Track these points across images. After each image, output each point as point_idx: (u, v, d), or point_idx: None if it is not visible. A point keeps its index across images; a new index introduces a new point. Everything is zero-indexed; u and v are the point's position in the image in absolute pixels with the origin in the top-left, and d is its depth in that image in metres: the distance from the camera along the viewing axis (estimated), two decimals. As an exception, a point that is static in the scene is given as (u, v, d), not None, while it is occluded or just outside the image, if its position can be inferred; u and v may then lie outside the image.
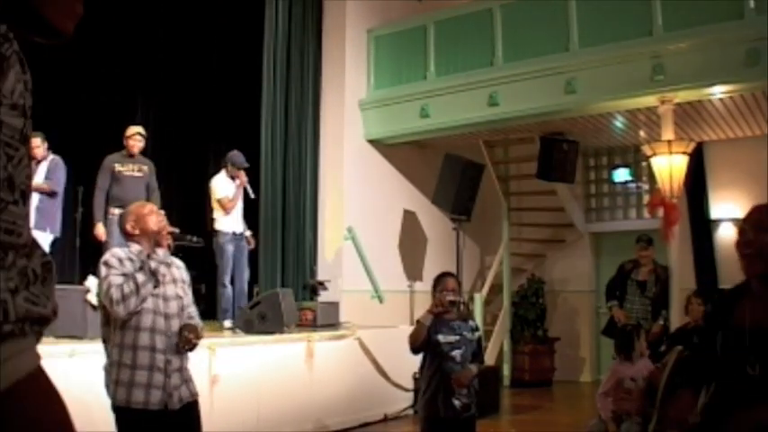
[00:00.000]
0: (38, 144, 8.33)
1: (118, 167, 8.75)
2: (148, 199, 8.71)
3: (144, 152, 9.11)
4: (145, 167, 8.94)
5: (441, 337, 5.09)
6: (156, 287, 4.22)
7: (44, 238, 8.16)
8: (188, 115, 12.21)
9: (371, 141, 11.65)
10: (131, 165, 8.81)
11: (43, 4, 1.17)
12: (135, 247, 4.36)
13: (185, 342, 4.29)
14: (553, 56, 9.89)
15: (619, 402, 6.47)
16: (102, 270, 4.20)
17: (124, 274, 4.18)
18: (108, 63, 10.66)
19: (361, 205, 11.20)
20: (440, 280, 5.29)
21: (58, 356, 5.74)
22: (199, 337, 4.37)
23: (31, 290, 0.94)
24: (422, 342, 5.10)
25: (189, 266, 4.70)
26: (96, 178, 8.74)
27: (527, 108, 10.17)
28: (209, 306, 9.94)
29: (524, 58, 10.16)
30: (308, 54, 11.21)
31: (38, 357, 0.96)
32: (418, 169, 12.17)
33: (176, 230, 4.48)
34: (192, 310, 4.53)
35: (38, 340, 0.96)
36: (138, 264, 4.23)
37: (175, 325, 4.30)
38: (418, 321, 5.23)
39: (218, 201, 9.21)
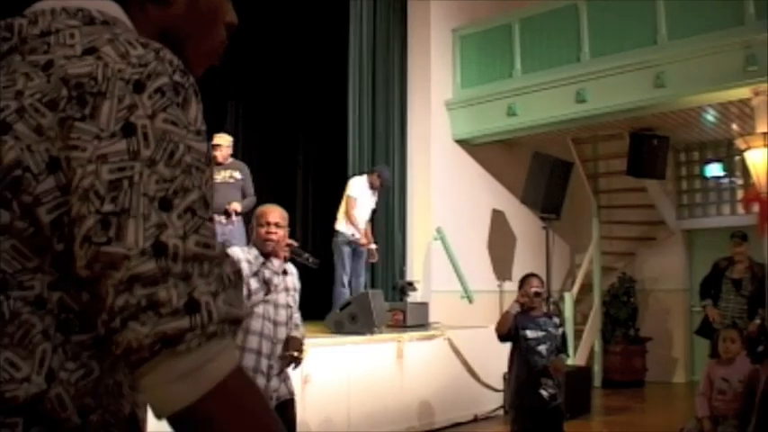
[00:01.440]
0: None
1: None
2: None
3: (234, 156, 9.25)
4: (237, 173, 9.04)
5: (528, 333, 5.56)
6: (266, 295, 4.30)
7: None
8: (275, 119, 12.35)
9: (459, 141, 11.63)
10: (222, 172, 8.94)
11: (192, 44, 1.27)
12: (254, 251, 4.45)
13: (291, 360, 4.40)
14: (641, 49, 9.71)
15: (712, 403, 6.33)
16: None
17: None
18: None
19: (449, 206, 11.18)
20: (525, 279, 5.84)
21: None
22: (301, 351, 4.47)
23: (228, 293, 1.00)
24: (507, 330, 5.60)
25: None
26: None
27: (615, 104, 10.03)
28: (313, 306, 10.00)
29: (612, 52, 10.00)
30: (394, 55, 11.25)
31: (236, 355, 1.02)
32: (506, 168, 12.10)
33: (295, 244, 4.55)
34: (297, 316, 4.64)
35: (233, 338, 1.02)
36: (255, 268, 4.32)
37: (282, 332, 4.40)
38: (506, 311, 5.78)
39: (347, 197, 9.45)
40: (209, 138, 8.20)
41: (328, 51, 11.43)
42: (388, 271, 10.81)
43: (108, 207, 0.96)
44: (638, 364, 12.31)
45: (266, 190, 10.14)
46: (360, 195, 9.49)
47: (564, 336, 5.85)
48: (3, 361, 0.99)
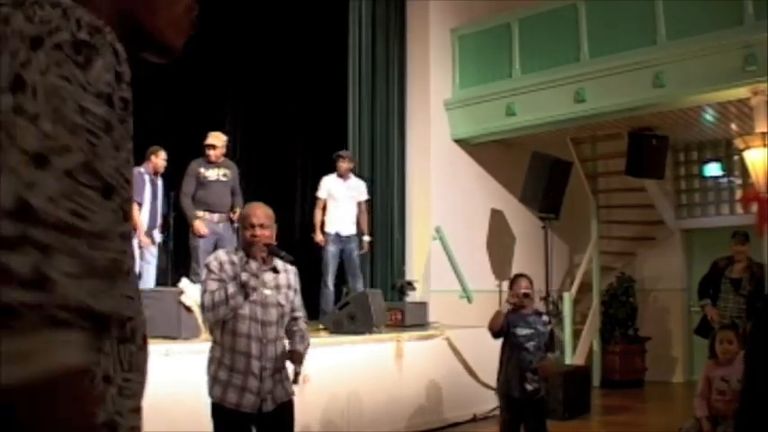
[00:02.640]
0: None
1: (203, 172, 8.88)
2: (233, 202, 8.90)
3: (232, 155, 9.24)
4: (229, 172, 9.05)
5: (518, 330, 5.96)
6: (246, 299, 4.28)
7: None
8: (274, 118, 12.34)
9: (458, 141, 11.64)
10: (216, 169, 8.94)
11: (150, 15, 1.21)
12: (241, 253, 4.44)
13: (298, 379, 4.43)
14: (640, 50, 9.72)
15: (712, 403, 6.33)
16: (203, 273, 4.37)
17: (221, 280, 4.28)
18: (194, 68, 10.85)
19: (448, 205, 11.19)
20: (514, 280, 6.23)
21: (153, 356, 5.86)
22: (300, 363, 4.48)
23: (94, 281, 0.92)
24: (499, 328, 5.99)
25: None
26: (181, 183, 8.88)
27: (615, 103, 10.04)
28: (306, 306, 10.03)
29: (611, 53, 10.01)
30: (393, 55, 11.26)
31: (81, 356, 0.91)
32: (505, 168, 12.11)
33: (273, 243, 4.50)
34: (300, 314, 4.61)
35: (90, 338, 0.92)
36: (240, 269, 4.30)
37: (272, 332, 4.36)
38: (498, 310, 6.16)
39: (315, 198, 9.51)
40: (204, 136, 8.21)
41: (327, 51, 11.43)
42: (387, 270, 10.82)
43: None
44: (638, 364, 12.30)
45: (265, 190, 10.16)
46: (328, 192, 9.50)
47: (552, 333, 6.21)
48: None
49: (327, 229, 9.47)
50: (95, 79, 0.99)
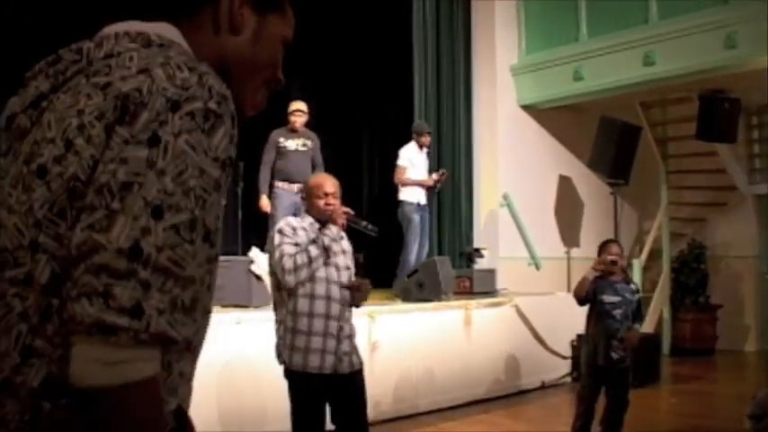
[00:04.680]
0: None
1: (282, 142, 8.97)
2: (314, 173, 8.93)
3: (307, 126, 9.30)
4: (309, 142, 9.12)
5: (605, 297, 5.85)
6: (325, 263, 4.37)
7: None
8: (339, 88, 12.33)
9: (525, 107, 11.55)
10: (296, 139, 9.02)
11: (238, 91, 1.41)
12: (309, 219, 4.51)
13: (361, 296, 4.54)
14: (711, 9, 9.49)
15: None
16: (276, 238, 4.39)
17: (296, 244, 4.35)
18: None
19: (515, 172, 11.12)
20: (605, 246, 6.14)
21: (226, 324, 5.96)
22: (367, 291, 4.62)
23: (175, 315, 1.14)
24: (585, 294, 5.92)
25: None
26: (262, 153, 8.98)
27: (685, 66, 9.83)
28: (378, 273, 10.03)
29: (680, 13, 9.78)
30: (458, 21, 11.18)
31: (154, 368, 1.14)
32: (573, 133, 11.98)
33: (352, 212, 4.62)
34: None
35: (161, 355, 1.15)
36: (312, 235, 4.38)
37: (347, 294, 4.47)
38: (584, 276, 6.02)
39: (396, 167, 9.46)
40: (287, 104, 8.34)
41: (392, 18, 11.35)
42: (455, 238, 10.81)
43: (116, 205, 1.11)
44: (709, 332, 12.13)
45: (332, 161, 10.19)
46: (410, 162, 9.46)
47: (639, 302, 6.07)
48: None
49: (410, 198, 9.44)
50: (216, 146, 1.19)
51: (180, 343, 1.16)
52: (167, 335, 1.12)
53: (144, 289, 1.09)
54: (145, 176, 1.12)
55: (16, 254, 1.18)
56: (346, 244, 4.65)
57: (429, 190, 9.66)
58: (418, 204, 9.47)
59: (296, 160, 8.96)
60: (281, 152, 8.95)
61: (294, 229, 4.44)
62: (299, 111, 9.09)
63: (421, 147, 9.59)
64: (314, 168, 8.98)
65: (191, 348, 1.28)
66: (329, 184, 4.59)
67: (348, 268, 4.55)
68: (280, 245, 4.36)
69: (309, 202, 4.59)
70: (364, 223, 4.72)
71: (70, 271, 1.12)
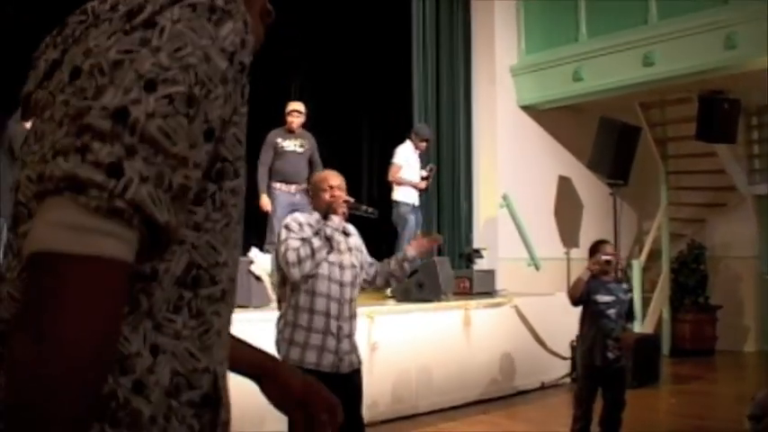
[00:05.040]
0: None
1: (280, 142, 8.98)
2: (311, 173, 8.96)
3: (304, 127, 9.30)
4: (306, 143, 9.13)
5: (598, 297, 5.90)
6: (329, 253, 4.39)
7: None
8: (339, 88, 12.34)
9: (524, 107, 11.55)
10: (293, 140, 9.03)
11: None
12: (316, 215, 4.54)
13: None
14: (711, 10, 9.47)
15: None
16: (283, 233, 4.43)
17: (302, 239, 4.37)
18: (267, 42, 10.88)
19: (515, 172, 11.12)
20: (596, 247, 6.13)
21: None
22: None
23: (158, 191, 0.99)
24: (579, 295, 5.95)
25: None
26: (260, 153, 8.98)
27: (684, 67, 9.81)
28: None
29: (680, 14, 9.77)
30: (458, 21, 11.18)
31: (124, 252, 0.97)
32: (572, 134, 11.98)
33: (351, 200, 4.65)
34: (372, 268, 4.75)
35: (140, 244, 0.99)
36: (317, 228, 4.41)
37: (348, 293, 4.50)
38: (579, 277, 6.07)
39: (391, 164, 9.47)
40: (275, 104, 8.28)
41: (391, 18, 11.35)
42: (455, 238, 10.81)
43: (105, 80, 1.01)
44: (708, 333, 12.13)
45: (331, 161, 10.16)
46: (405, 162, 9.46)
47: (632, 301, 6.14)
48: None
49: (406, 199, 9.43)
50: (223, 37, 1.09)
51: (164, 232, 1.01)
52: (147, 210, 0.97)
53: (127, 153, 0.96)
54: (138, 53, 1.02)
55: (30, 205, 1.06)
56: (354, 241, 4.68)
57: (421, 191, 9.67)
58: (414, 206, 9.47)
59: (293, 161, 8.97)
60: (278, 153, 8.95)
61: (300, 224, 4.47)
62: (296, 111, 9.10)
63: (417, 148, 9.59)
64: (312, 169, 8.98)
65: (224, 296, 1.16)
66: (333, 176, 4.66)
67: (353, 266, 4.56)
68: (285, 240, 4.39)
69: (315, 196, 4.63)
70: (364, 207, 4.77)
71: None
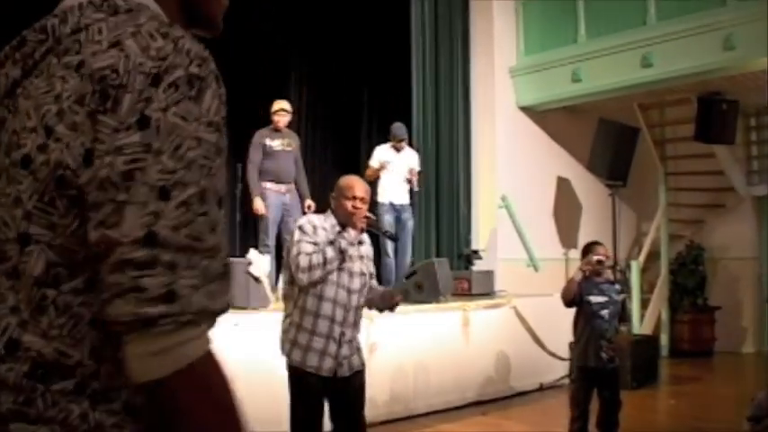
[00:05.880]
0: None
1: (268, 142, 8.91)
2: (297, 173, 8.97)
3: (296, 127, 9.28)
4: (293, 141, 9.10)
5: (591, 298, 5.91)
6: (340, 265, 4.39)
7: None
8: (337, 87, 12.32)
9: (523, 108, 11.53)
10: (281, 139, 8.97)
11: (206, 3, 1.40)
12: (331, 220, 4.53)
13: (393, 304, 4.64)
14: (709, 11, 9.44)
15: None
16: (296, 234, 4.42)
17: (315, 243, 4.36)
18: (257, 38, 10.85)
19: (514, 173, 11.11)
20: (589, 248, 6.11)
21: (223, 326, 5.92)
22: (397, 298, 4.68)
23: (210, 286, 1.11)
24: (572, 297, 5.94)
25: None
26: (248, 154, 8.92)
27: (683, 68, 9.79)
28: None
29: (679, 15, 9.74)
30: (456, 22, 11.16)
31: (208, 342, 1.13)
32: (571, 135, 11.97)
33: (373, 217, 4.67)
34: (374, 282, 4.75)
35: (210, 327, 1.14)
36: (331, 236, 4.38)
37: (355, 300, 4.51)
38: (571, 279, 6.11)
39: (368, 165, 9.44)
40: (270, 102, 8.30)
41: (390, 18, 11.33)
42: (454, 239, 10.80)
43: (121, 197, 1.08)
44: (707, 334, 12.14)
45: (329, 161, 10.19)
46: (379, 160, 9.43)
47: (624, 302, 6.18)
48: None
49: (381, 199, 9.39)
50: (206, 110, 1.15)
51: (224, 311, 1.15)
52: (208, 309, 1.11)
53: (171, 271, 1.08)
54: (143, 161, 1.09)
55: (4, 247, 1.16)
56: (365, 249, 4.68)
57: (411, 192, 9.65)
58: (391, 204, 9.41)
59: (283, 160, 8.93)
60: (267, 153, 8.87)
61: (315, 227, 4.45)
62: (282, 110, 9.02)
63: (395, 149, 9.56)
64: (296, 168, 9.03)
65: None
66: (360, 188, 4.59)
67: (363, 274, 4.56)
68: (299, 242, 4.37)
69: (337, 201, 4.57)
70: (384, 230, 4.75)
71: (98, 272, 1.11)
